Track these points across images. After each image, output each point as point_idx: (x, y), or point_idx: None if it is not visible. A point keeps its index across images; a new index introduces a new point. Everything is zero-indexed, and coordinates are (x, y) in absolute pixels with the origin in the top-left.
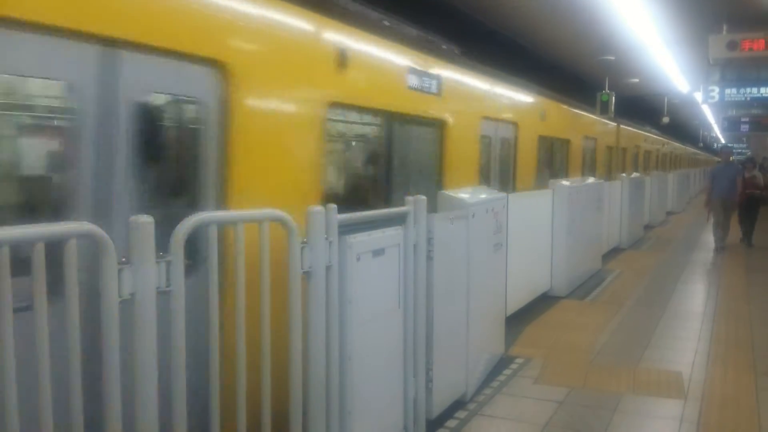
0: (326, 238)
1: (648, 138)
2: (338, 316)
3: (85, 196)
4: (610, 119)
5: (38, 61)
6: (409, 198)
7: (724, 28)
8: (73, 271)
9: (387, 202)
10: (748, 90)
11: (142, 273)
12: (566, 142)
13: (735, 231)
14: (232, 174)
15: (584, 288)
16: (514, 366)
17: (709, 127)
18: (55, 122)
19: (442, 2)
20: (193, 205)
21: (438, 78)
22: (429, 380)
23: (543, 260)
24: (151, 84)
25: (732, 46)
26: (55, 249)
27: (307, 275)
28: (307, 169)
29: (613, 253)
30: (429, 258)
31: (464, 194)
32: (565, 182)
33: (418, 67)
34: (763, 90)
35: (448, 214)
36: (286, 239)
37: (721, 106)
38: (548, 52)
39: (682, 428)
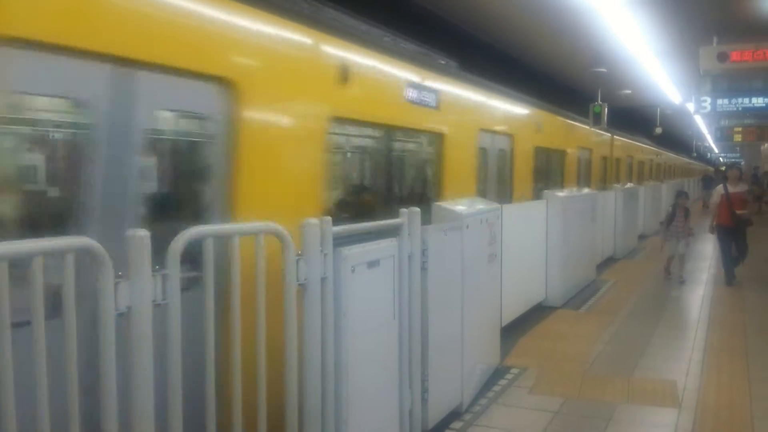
0: (321, 251)
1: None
2: (333, 327)
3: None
4: (504, 94)
5: None
6: (404, 210)
7: (714, 39)
8: (71, 285)
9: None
10: (740, 100)
11: (138, 287)
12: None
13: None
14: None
15: (579, 298)
16: (509, 376)
17: (703, 137)
18: None
19: (439, 17)
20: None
21: None
22: (424, 391)
23: (537, 271)
24: None
25: (722, 57)
26: None
27: (302, 287)
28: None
29: (608, 263)
30: (423, 269)
31: (458, 206)
32: (560, 193)
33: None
34: (754, 100)
35: (442, 226)
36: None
37: (713, 116)
38: (541, 65)
39: None
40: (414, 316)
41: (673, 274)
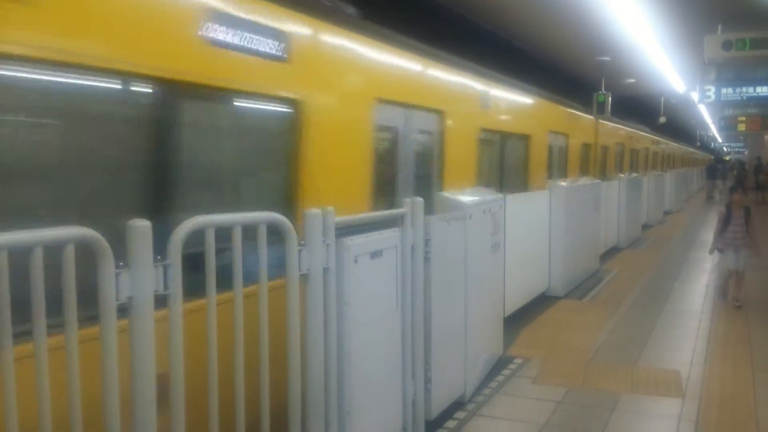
0: (324, 241)
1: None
2: (336, 318)
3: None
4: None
5: None
6: (407, 200)
7: (719, 28)
8: (72, 275)
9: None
10: (744, 89)
11: (139, 277)
12: None
13: None
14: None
15: (582, 288)
16: (512, 366)
17: (706, 127)
18: None
19: (440, 5)
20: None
21: None
22: (428, 381)
23: (541, 260)
24: None
25: (727, 45)
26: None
27: (304, 277)
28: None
29: (611, 252)
30: (426, 259)
31: (462, 195)
32: (561, 182)
33: None
34: (759, 89)
35: (445, 216)
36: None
37: (717, 105)
38: (545, 54)
39: (681, 427)
40: (417, 307)
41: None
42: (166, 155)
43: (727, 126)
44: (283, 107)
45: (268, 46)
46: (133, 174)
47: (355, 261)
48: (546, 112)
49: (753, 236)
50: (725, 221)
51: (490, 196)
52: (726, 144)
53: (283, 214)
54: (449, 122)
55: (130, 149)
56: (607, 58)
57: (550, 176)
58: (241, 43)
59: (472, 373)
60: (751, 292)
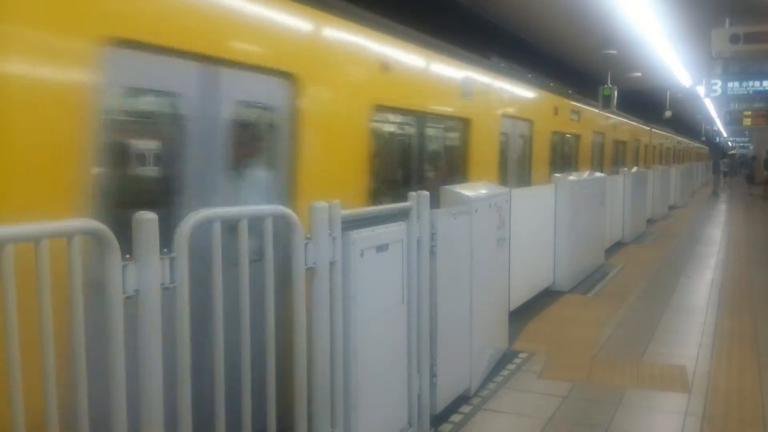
0: (330, 234)
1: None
2: (342, 312)
3: None
4: None
5: None
6: (412, 193)
7: (727, 21)
8: (78, 268)
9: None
10: (751, 83)
11: (146, 270)
12: None
13: None
14: None
15: (587, 282)
16: (517, 361)
17: (712, 121)
18: None
19: None
20: None
21: None
22: (433, 375)
23: (545, 255)
24: None
25: (735, 39)
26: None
27: (310, 271)
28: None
29: (616, 247)
30: (432, 253)
31: (467, 189)
32: (567, 176)
33: None
34: (765, 83)
35: (451, 210)
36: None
37: (723, 99)
38: (551, 47)
39: (687, 422)
40: (423, 301)
41: None
42: None
43: (733, 120)
44: None
45: None
46: None
47: (361, 255)
48: (502, 90)
49: None
50: None
51: (496, 189)
52: (731, 138)
53: None
54: (310, 93)
55: None
56: (613, 52)
57: (503, 177)
58: None
59: (478, 367)
60: (757, 286)
